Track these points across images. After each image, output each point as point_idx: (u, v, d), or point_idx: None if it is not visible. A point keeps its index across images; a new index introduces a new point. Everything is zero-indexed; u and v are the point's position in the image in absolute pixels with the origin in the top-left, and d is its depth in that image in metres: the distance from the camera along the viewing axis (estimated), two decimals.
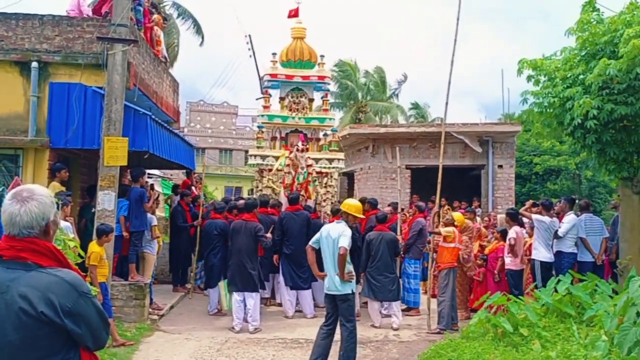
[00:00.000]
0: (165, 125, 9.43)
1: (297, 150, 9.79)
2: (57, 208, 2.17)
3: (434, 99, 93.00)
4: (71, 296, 1.95)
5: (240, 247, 7.77)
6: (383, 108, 30.56)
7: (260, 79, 20.03)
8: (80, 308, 1.97)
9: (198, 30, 23.72)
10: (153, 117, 8.44)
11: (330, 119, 11.31)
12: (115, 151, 7.22)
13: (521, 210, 8.42)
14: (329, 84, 11.63)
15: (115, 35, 7.60)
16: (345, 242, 5.69)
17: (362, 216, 6.32)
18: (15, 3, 8.56)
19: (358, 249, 8.68)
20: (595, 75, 6.83)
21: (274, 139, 11.05)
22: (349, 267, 5.81)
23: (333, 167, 10.59)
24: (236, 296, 7.77)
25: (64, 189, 7.56)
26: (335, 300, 5.82)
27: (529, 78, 7.92)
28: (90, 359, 2.06)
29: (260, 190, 10.39)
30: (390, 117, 31.15)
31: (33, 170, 8.00)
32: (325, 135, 11.05)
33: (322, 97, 11.61)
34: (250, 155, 10.75)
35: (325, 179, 10.44)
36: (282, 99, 11.12)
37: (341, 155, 10.94)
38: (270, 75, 11.07)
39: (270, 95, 11.42)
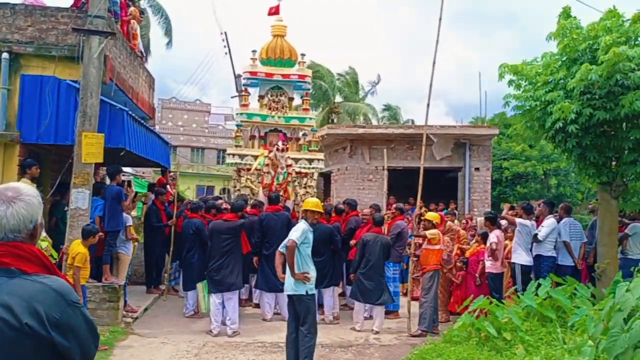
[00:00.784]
0: (142, 121, 9.17)
1: (278, 149, 9.60)
2: None
3: (408, 101, 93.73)
4: (59, 306, 1.77)
5: (221, 248, 7.58)
6: (356, 109, 30.55)
7: (236, 77, 19.70)
8: (68, 319, 1.79)
9: (168, 30, 23.25)
10: (130, 112, 8.18)
11: (310, 118, 11.14)
12: (92, 147, 6.95)
13: (503, 214, 8.46)
14: (309, 83, 11.47)
15: (92, 27, 7.33)
16: (294, 235, 5.65)
17: (319, 210, 6.21)
18: None
19: (339, 251, 8.60)
20: (578, 80, 6.89)
21: (252, 137, 10.83)
22: (307, 268, 5.71)
23: (313, 168, 10.44)
24: (215, 298, 7.57)
25: (34, 185, 7.24)
26: (294, 302, 5.78)
27: (510, 82, 7.96)
28: None
29: (239, 190, 10.18)
30: (363, 117, 31.19)
31: (2, 166, 7.66)
32: (305, 135, 10.90)
33: (302, 97, 11.45)
34: (228, 154, 10.49)
35: (305, 179, 10.29)
36: (261, 97, 10.91)
37: (321, 155, 10.80)
38: (250, 72, 10.83)
39: (249, 93, 11.19)
